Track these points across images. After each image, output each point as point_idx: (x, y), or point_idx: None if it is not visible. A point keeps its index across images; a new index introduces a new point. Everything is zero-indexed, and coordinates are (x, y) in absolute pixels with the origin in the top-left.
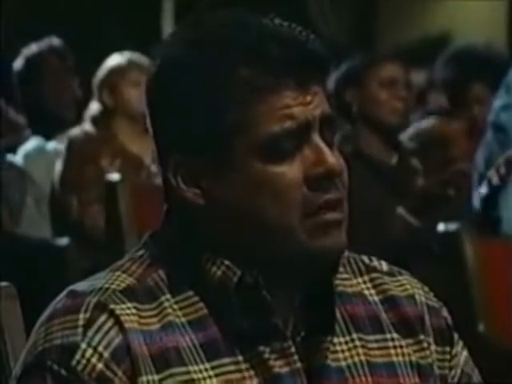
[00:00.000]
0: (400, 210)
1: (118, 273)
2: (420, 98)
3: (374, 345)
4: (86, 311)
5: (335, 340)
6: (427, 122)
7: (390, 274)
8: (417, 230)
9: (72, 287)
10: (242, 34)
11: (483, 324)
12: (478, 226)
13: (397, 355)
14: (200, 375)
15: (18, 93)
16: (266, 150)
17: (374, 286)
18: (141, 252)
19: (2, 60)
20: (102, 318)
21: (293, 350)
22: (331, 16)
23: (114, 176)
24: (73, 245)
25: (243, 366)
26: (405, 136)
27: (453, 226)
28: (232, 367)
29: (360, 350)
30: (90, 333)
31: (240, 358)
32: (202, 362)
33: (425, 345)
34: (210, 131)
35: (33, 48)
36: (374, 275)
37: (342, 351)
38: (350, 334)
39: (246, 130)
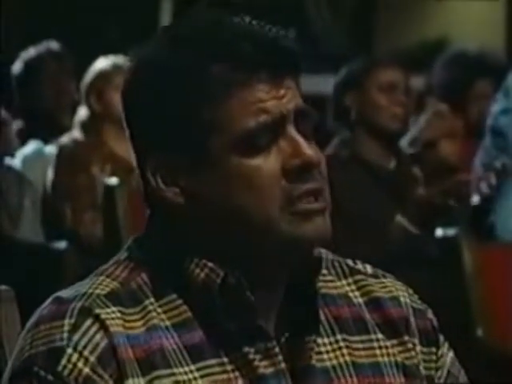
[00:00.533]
0: (399, 218)
1: (101, 277)
2: (418, 103)
3: (359, 345)
4: (71, 317)
5: (319, 341)
6: (421, 124)
7: (375, 276)
8: (415, 237)
9: (57, 294)
10: (214, 32)
11: (481, 328)
12: (474, 232)
13: (382, 356)
14: (185, 377)
15: (16, 96)
16: (241, 145)
17: (359, 288)
18: (124, 256)
19: (2, 62)
20: (87, 322)
21: (277, 350)
22: (330, 20)
23: (112, 180)
24: (71, 248)
25: (228, 368)
26: (404, 141)
27: (451, 231)
28: (217, 368)
29: (345, 351)
30: (75, 337)
31: (225, 359)
32: (187, 364)
33: (410, 345)
34: (185, 129)
35: (31, 52)
36: (359, 277)
37: (327, 352)
38: (334, 334)
39: (222, 126)
